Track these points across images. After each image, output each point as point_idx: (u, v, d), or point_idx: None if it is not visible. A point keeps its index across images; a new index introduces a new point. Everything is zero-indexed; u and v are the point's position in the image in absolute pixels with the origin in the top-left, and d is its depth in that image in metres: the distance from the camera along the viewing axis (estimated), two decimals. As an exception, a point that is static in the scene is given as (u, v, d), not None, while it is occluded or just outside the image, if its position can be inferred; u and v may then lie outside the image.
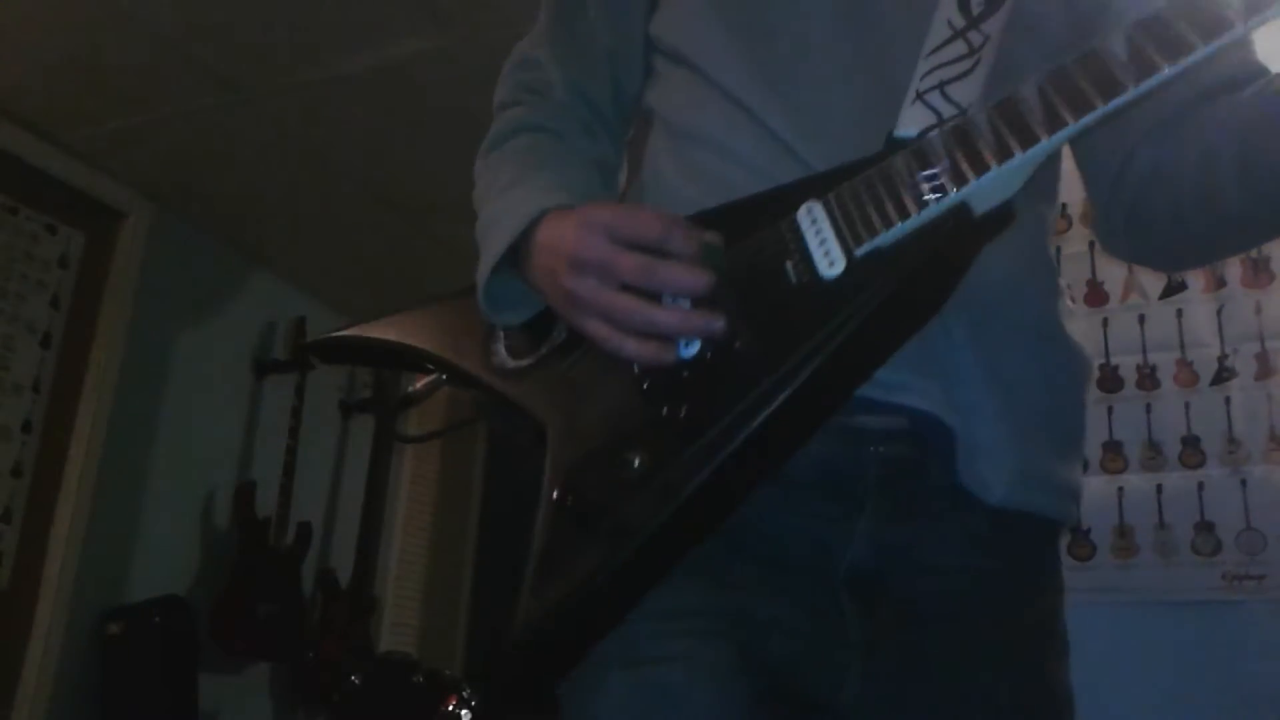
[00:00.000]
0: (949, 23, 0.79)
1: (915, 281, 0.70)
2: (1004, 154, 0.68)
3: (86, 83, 2.80)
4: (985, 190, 0.69)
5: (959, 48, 0.78)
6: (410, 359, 0.94)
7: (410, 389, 0.96)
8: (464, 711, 2.93)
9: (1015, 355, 0.81)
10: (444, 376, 0.91)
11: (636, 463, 0.71)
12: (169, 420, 3.40)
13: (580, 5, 1.00)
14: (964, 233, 0.71)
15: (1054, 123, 0.67)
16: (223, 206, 3.42)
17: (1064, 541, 0.94)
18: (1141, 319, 2.17)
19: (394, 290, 3.76)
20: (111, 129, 3.01)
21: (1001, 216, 0.72)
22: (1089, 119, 0.66)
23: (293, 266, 3.76)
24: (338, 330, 0.99)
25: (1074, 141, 0.90)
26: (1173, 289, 2.15)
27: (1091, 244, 2.22)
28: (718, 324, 0.72)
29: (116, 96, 2.86)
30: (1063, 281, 0.91)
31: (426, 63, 2.64)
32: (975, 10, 0.79)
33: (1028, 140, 0.67)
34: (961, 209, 0.70)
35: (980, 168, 0.68)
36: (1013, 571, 0.82)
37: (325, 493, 3.92)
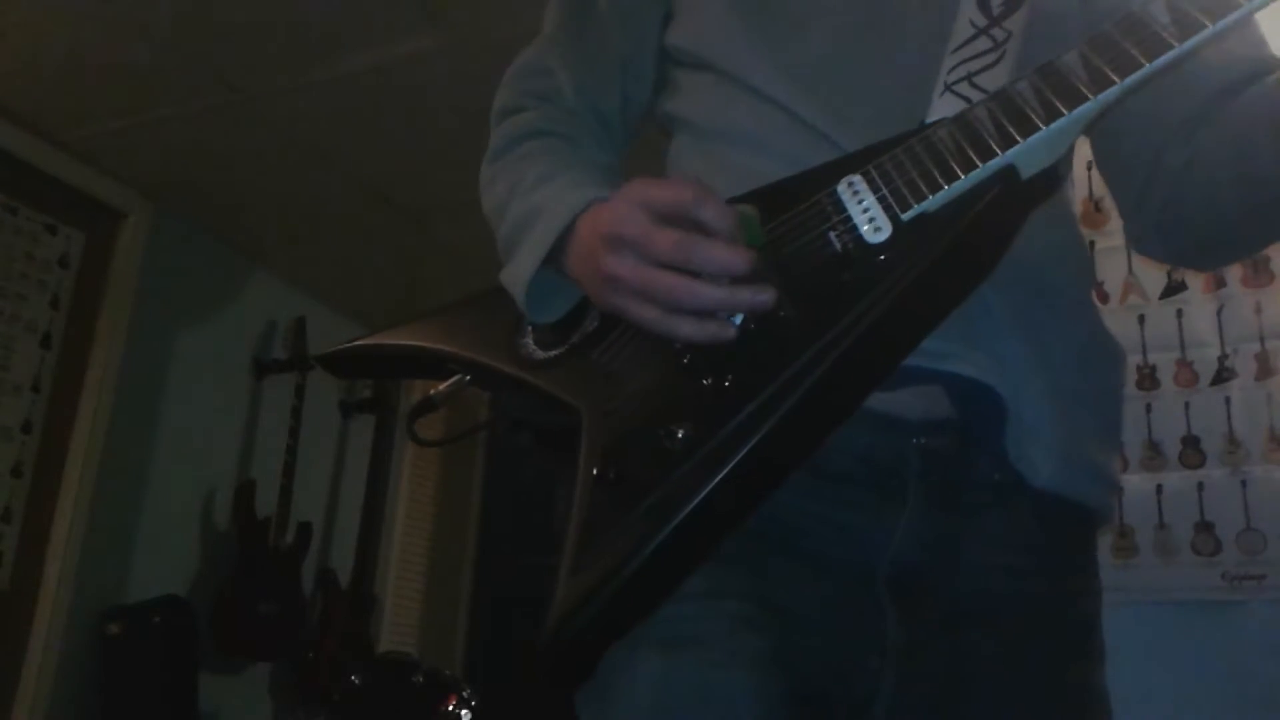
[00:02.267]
0: (971, 22, 0.80)
1: (964, 245, 0.70)
2: (1052, 114, 0.68)
3: (86, 83, 2.80)
4: (1032, 153, 0.69)
5: (984, 43, 0.79)
6: (428, 363, 0.91)
7: (431, 392, 0.93)
8: (464, 711, 2.93)
9: (1055, 336, 0.80)
10: (467, 378, 0.88)
11: (681, 434, 0.69)
12: (169, 420, 3.40)
13: (593, 15, 0.98)
14: (1012, 197, 0.70)
15: (1100, 82, 0.66)
16: (223, 206, 3.42)
17: (1108, 528, 0.94)
18: (1141, 319, 2.17)
19: (394, 291, 3.76)
20: (111, 129, 3.01)
21: (1049, 181, 0.71)
22: (1135, 78, 0.66)
23: (293, 266, 3.76)
24: (351, 341, 0.96)
25: (1101, 143, 0.91)
26: (1173, 289, 2.15)
27: (1091, 243, 2.22)
28: (765, 298, 0.70)
29: (116, 96, 2.85)
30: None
31: (426, 63, 2.64)
32: (995, 10, 0.80)
33: (1074, 100, 0.67)
34: (1009, 172, 0.69)
35: (1028, 129, 0.68)
36: (1055, 571, 0.82)
37: (325, 493, 3.92)
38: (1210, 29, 0.64)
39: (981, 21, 0.80)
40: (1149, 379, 2.13)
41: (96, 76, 2.77)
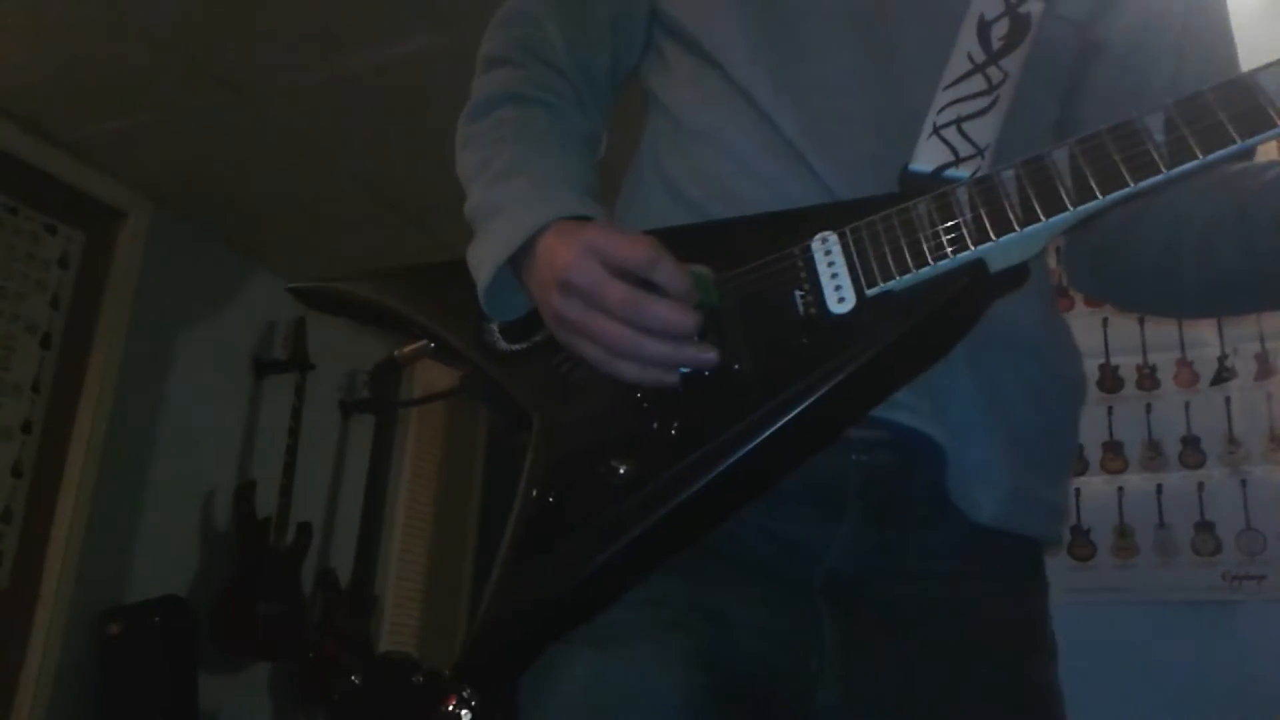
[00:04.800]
0: (969, 55, 0.79)
1: (922, 329, 0.70)
2: (1029, 218, 0.68)
3: (86, 83, 2.80)
4: (1004, 250, 0.69)
5: (978, 83, 0.78)
6: (398, 323, 0.90)
7: (396, 353, 0.93)
8: (464, 711, 2.93)
9: (1009, 374, 0.80)
10: (431, 345, 0.88)
11: (622, 470, 0.70)
12: (169, 420, 3.40)
13: None
14: (977, 288, 0.71)
15: (1083, 194, 0.67)
16: (223, 206, 3.42)
17: (1057, 550, 0.94)
18: (1141, 319, 2.17)
19: (394, 290, 3.75)
20: (111, 129, 3.01)
21: (1016, 275, 0.72)
22: (1117, 196, 0.66)
23: (293, 266, 3.76)
24: (329, 281, 0.97)
25: None
26: (1173, 289, 2.15)
27: (1091, 244, 2.22)
28: (707, 357, 0.71)
29: (116, 96, 2.85)
30: (1052, 282, 0.91)
31: (426, 63, 2.64)
32: (995, 45, 0.79)
33: (1054, 208, 0.67)
34: (978, 265, 0.70)
35: (1003, 228, 0.68)
36: (994, 574, 0.82)
37: (325, 493, 3.92)
38: (1200, 160, 0.64)
39: (980, 56, 0.79)
40: (1149, 379, 2.13)
41: (96, 76, 2.77)
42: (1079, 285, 0.95)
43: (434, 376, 4.03)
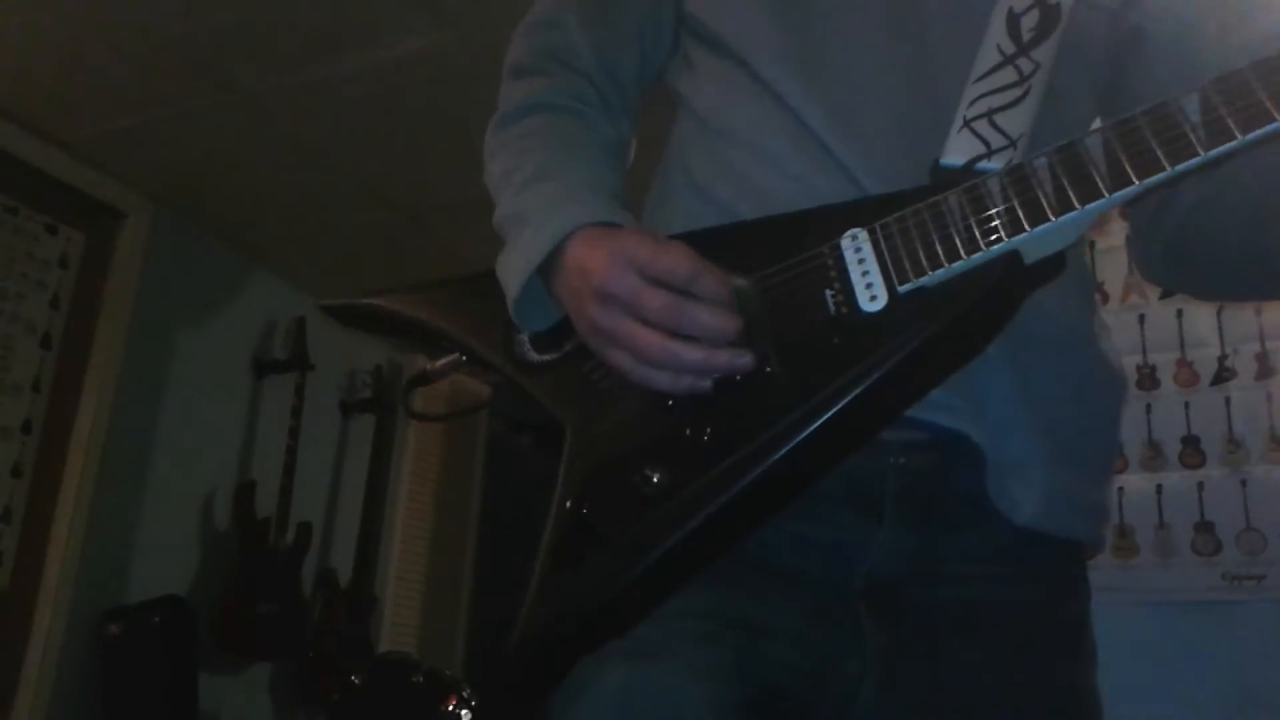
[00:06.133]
0: (998, 47, 0.78)
1: (957, 325, 0.69)
2: (1064, 206, 0.66)
3: (86, 83, 2.80)
4: (1039, 240, 0.68)
5: (1008, 74, 0.77)
6: (429, 337, 0.90)
7: (427, 366, 0.94)
8: (464, 711, 2.93)
9: (1049, 371, 0.79)
10: (463, 358, 0.88)
11: (655, 479, 0.70)
12: (169, 420, 3.40)
13: None
14: (1013, 280, 0.69)
15: (1118, 180, 0.65)
16: (223, 206, 3.42)
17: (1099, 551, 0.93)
18: (1141, 319, 2.17)
19: (394, 290, 3.75)
20: (111, 129, 3.00)
21: (1052, 266, 0.70)
22: (1154, 180, 0.64)
23: (293, 266, 3.76)
24: (360, 298, 0.96)
25: None
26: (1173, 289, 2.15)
27: (1092, 244, 2.22)
28: (744, 362, 0.70)
29: (116, 96, 2.85)
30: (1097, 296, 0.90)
31: (426, 63, 2.64)
32: (1025, 36, 0.78)
33: (1089, 196, 0.66)
34: (1013, 257, 0.68)
35: (1037, 218, 0.67)
36: (1035, 578, 0.81)
37: (325, 493, 3.92)
38: (1239, 140, 0.62)
39: (1010, 48, 0.77)
40: (1149, 379, 2.13)
41: (97, 77, 2.77)
42: (1152, 275, 0.93)
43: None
